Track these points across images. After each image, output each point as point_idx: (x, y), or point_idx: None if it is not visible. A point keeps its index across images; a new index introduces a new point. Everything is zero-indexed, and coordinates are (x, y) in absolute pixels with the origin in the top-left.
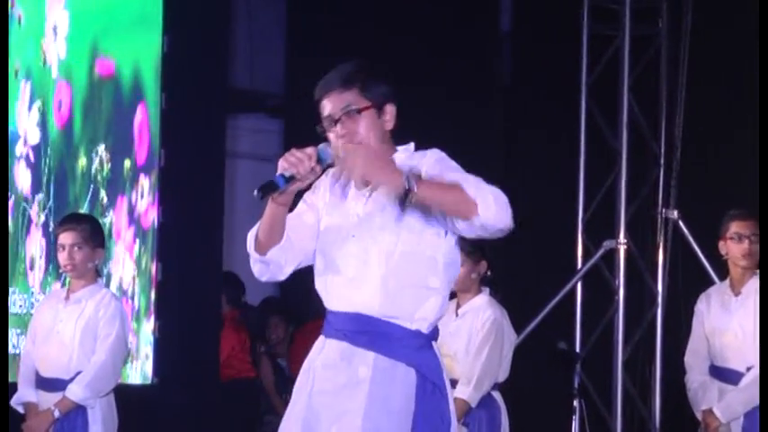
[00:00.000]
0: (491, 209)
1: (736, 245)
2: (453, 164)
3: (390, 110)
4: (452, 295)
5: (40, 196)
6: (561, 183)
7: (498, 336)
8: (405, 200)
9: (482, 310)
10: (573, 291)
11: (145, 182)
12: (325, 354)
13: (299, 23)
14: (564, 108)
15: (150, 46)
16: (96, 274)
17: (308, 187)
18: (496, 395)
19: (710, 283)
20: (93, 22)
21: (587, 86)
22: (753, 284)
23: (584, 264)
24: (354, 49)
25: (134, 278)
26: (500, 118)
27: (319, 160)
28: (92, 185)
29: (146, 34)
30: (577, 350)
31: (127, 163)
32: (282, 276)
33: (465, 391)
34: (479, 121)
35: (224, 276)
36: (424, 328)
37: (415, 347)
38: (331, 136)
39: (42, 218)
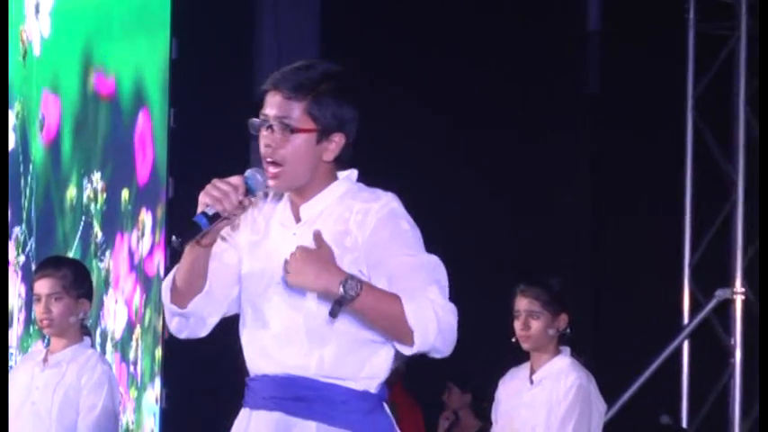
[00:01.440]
0: (428, 340)
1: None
2: (405, 227)
3: (338, 140)
4: (526, 356)
5: (18, 230)
6: (662, 217)
7: (585, 407)
8: (337, 306)
9: (564, 374)
10: (678, 351)
11: (147, 217)
12: (253, 430)
13: (334, 23)
14: (665, 124)
15: (155, 50)
16: (82, 331)
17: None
18: None
19: None
20: (84, 22)
21: (694, 98)
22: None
23: (691, 318)
24: (402, 54)
25: (135, 337)
26: (585, 134)
27: (248, 191)
28: (83, 220)
29: (150, 36)
30: (684, 425)
31: (125, 193)
32: (205, 331)
33: None
34: (559, 138)
35: None
36: (373, 387)
37: (364, 411)
38: (261, 136)
39: (22, 259)
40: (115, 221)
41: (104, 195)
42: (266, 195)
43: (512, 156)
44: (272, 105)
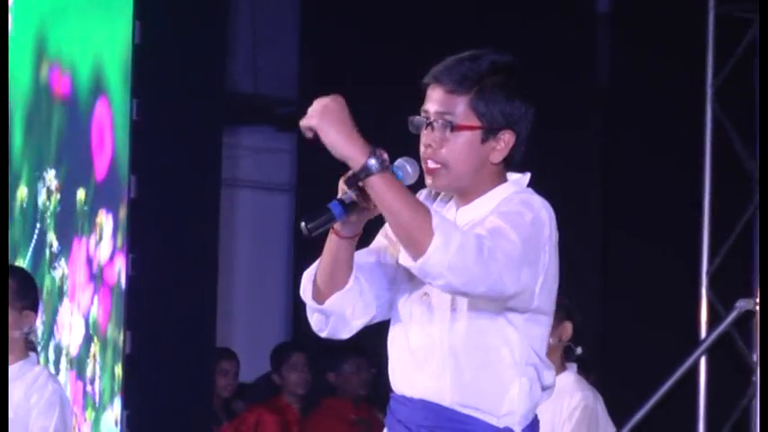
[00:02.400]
0: (448, 253)
1: None
2: (526, 216)
3: (507, 138)
4: None
5: None
6: (678, 221)
7: (591, 427)
8: (351, 182)
9: (568, 393)
10: (695, 368)
11: (106, 219)
12: None
13: (316, 8)
14: (682, 117)
15: (116, 35)
16: (27, 346)
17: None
18: None
19: None
20: (37, 3)
21: (714, 88)
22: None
23: (709, 331)
24: (393, 40)
25: (93, 353)
26: (596, 128)
27: None
28: (37, 226)
29: (110, 19)
30: None
31: (80, 193)
32: (348, 333)
33: None
34: (567, 133)
35: (218, 353)
36: (516, 424)
37: None
38: (421, 135)
39: None
40: (70, 224)
41: (58, 195)
42: (436, 195)
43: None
44: (433, 100)
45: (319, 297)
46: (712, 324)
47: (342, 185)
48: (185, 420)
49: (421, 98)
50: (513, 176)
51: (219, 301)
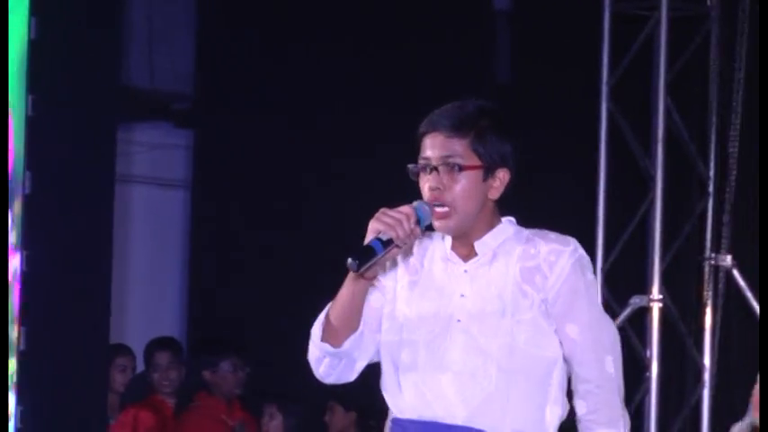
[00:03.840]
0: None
1: None
2: (591, 278)
3: (502, 176)
4: None
5: None
6: (573, 217)
7: None
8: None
9: None
10: None
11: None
12: None
13: (212, 4)
14: (579, 114)
15: (11, 31)
16: None
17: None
18: None
19: None
20: None
21: (610, 86)
22: None
23: None
24: (288, 37)
25: None
26: None
27: (418, 221)
28: None
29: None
30: None
31: None
32: (353, 375)
33: None
34: None
35: (114, 349)
36: None
37: None
38: (422, 181)
39: None
40: None
41: None
42: (430, 227)
43: (413, 151)
44: (434, 147)
45: (334, 341)
46: None
47: (373, 225)
48: (80, 416)
49: (413, 147)
50: (505, 220)
51: (115, 298)
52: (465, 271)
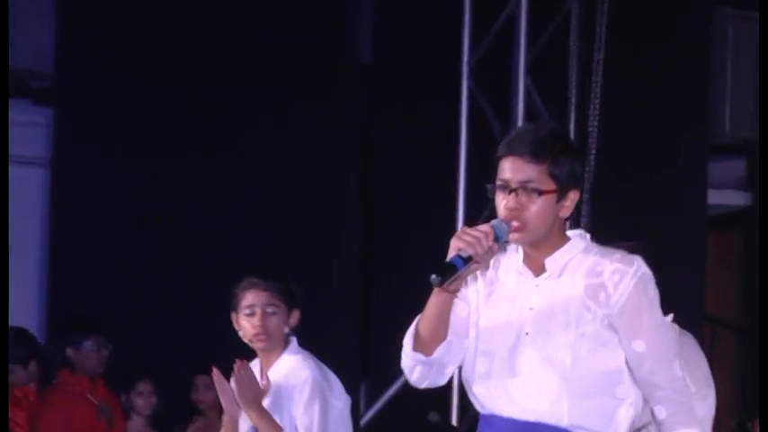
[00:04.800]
0: None
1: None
2: (653, 293)
3: (573, 197)
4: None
5: None
6: (435, 196)
7: (322, 403)
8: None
9: (296, 371)
10: None
11: None
12: None
13: None
14: (440, 94)
15: None
16: None
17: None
18: None
19: None
20: None
21: (470, 66)
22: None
23: None
24: (153, 13)
25: None
26: (355, 106)
27: (496, 238)
28: None
29: None
30: (454, 423)
31: None
32: (444, 380)
33: None
34: (327, 108)
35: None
36: None
37: None
38: (498, 199)
39: None
40: None
41: None
42: (507, 243)
43: (274, 126)
44: (514, 170)
45: (425, 351)
46: None
47: (454, 243)
48: None
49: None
50: (571, 232)
51: None
52: (536, 285)
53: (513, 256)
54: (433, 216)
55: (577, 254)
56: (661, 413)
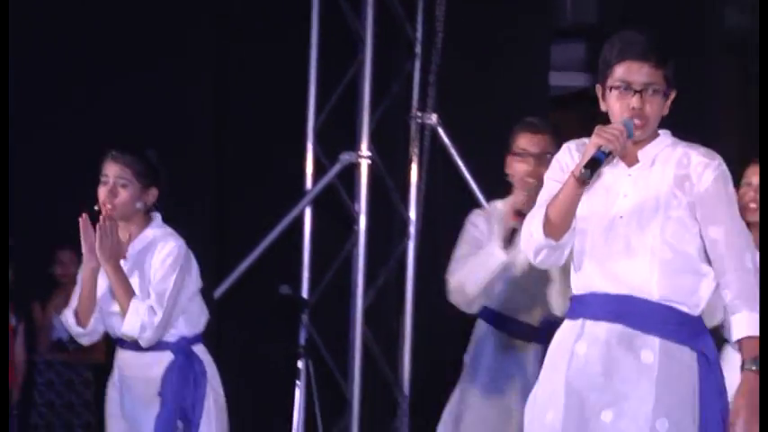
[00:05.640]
0: None
1: (519, 163)
2: (731, 191)
3: (672, 96)
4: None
5: None
6: (286, 76)
7: (183, 274)
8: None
9: (161, 242)
10: (300, 218)
11: None
12: (588, 335)
13: None
14: None
15: None
16: None
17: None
18: (198, 349)
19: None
20: None
21: None
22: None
23: (315, 183)
24: None
25: None
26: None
27: (628, 135)
28: None
29: None
30: (304, 296)
31: None
32: (561, 262)
33: (145, 339)
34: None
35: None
36: (698, 312)
37: (697, 332)
38: (613, 98)
39: None
40: None
41: None
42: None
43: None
44: (638, 73)
45: (555, 237)
46: (317, 176)
47: (594, 140)
48: None
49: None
50: (662, 132)
51: None
52: (629, 175)
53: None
54: (283, 96)
55: (666, 147)
56: (727, 296)
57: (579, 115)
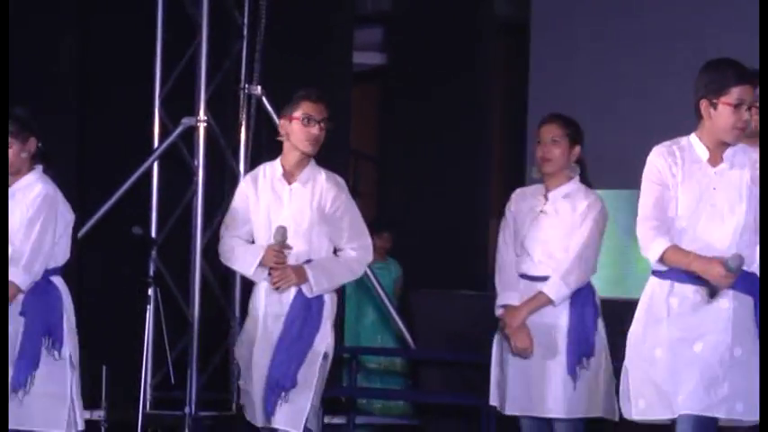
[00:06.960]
0: None
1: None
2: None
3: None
4: None
5: None
6: (137, 54)
7: (51, 214)
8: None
9: (33, 186)
10: (149, 172)
11: None
12: (677, 293)
13: None
14: None
15: None
16: None
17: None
18: (57, 280)
19: None
20: None
21: None
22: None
23: (161, 143)
24: None
25: None
26: None
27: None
28: None
29: None
30: (153, 235)
31: None
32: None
33: (14, 273)
34: None
35: None
36: (753, 269)
37: (753, 283)
38: (730, 111)
39: None
40: None
41: None
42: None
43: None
44: (749, 95)
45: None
46: (163, 137)
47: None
48: None
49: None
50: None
51: None
52: (715, 173)
53: (697, 151)
54: (130, 79)
55: (742, 150)
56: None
57: (377, 88)
